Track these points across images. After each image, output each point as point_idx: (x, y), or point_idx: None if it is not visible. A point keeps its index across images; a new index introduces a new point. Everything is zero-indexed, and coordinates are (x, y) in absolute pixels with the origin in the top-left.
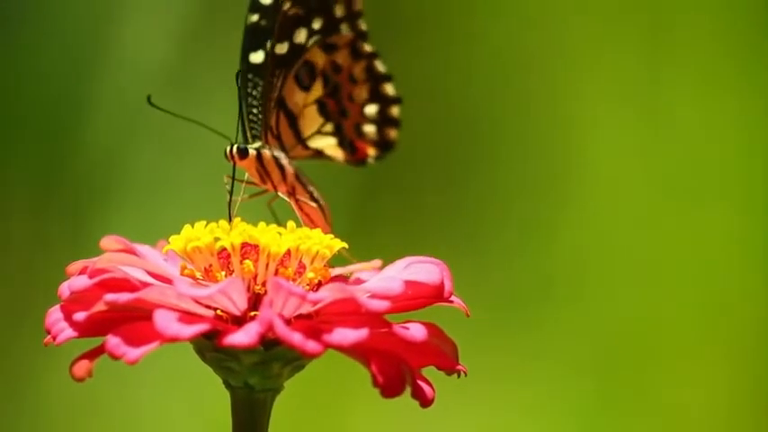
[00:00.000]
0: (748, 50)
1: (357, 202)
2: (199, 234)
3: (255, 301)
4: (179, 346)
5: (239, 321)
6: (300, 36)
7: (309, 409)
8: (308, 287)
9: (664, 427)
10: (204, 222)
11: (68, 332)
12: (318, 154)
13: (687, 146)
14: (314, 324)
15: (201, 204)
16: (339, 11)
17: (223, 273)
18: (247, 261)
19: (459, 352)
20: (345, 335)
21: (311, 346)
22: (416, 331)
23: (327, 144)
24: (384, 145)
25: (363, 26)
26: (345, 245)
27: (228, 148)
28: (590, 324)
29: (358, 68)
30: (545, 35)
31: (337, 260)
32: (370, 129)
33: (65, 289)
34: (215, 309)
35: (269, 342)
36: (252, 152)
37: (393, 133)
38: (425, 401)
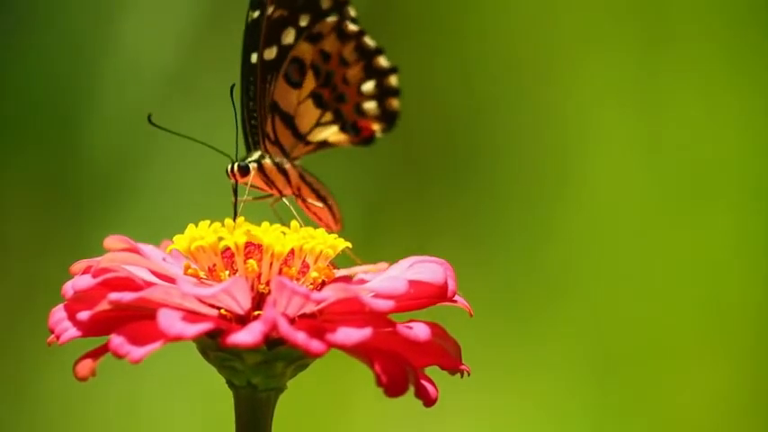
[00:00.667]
0: (749, 49)
1: (357, 204)
2: (203, 233)
3: (259, 301)
4: (182, 346)
5: (243, 321)
6: (288, 37)
7: (313, 409)
8: (311, 286)
9: (664, 427)
10: (208, 222)
11: (72, 332)
12: (322, 145)
13: (687, 145)
14: (317, 323)
15: (204, 205)
16: (325, 3)
17: (227, 272)
18: (251, 260)
19: (461, 352)
20: (349, 334)
21: (315, 345)
22: (420, 331)
23: (330, 133)
24: (388, 116)
25: (353, 12)
26: (349, 244)
27: (229, 167)
28: (591, 324)
29: (347, 50)
30: (545, 35)
31: (342, 260)
32: (370, 105)
33: (68, 288)
34: (219, 308)
35: (272, 341)
36: (253, 167)
37: (395, 103)
38: (429, 401)
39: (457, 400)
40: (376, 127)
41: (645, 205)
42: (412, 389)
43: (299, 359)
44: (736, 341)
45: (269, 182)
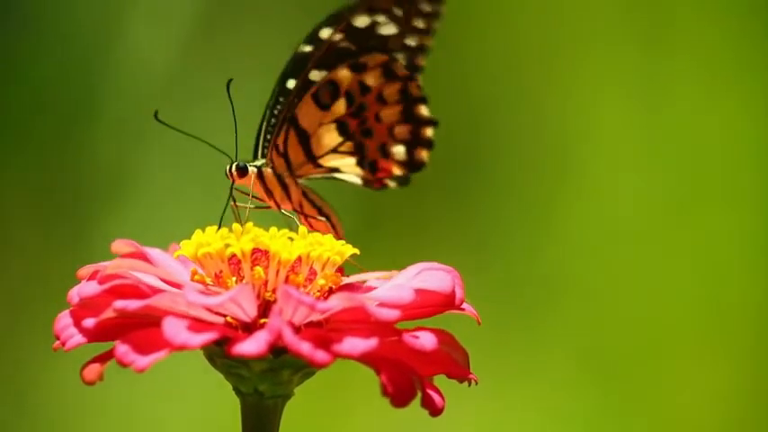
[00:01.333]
0: (751, 47)
1: (358, 207)
2: (209, 240)
3: (265, 308)
4: (189, 352)
5: (249, 328)
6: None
7: (319, 416)
8: (318, 294)
9: (664, 427)
10: (215, 227)
11: (78, 338)
12: (333, 172)
13: (688, 144)
14: (323, 333)
15: (206, 208)
16: (394, 43)
17: (234, 279)
18: (258, 267)
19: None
20: (355, 344)
21: (320, 356)
22: (426, 341)
23: (345, 163)
24: (413, 165)
25: (422, 61)
26: (357, 251)
27: (228, 167)
28: (591, 326)
29: (390, 89)
30: (545, 35)
31: (350, 268)
32: (398, 149)
33: (74, 294)
34: (225, 315)
35: (279, 349)
36: (252, 170)
37: (425, 154)
38: (435, 411)
39: (458, 404)
40: (397, 171)
41: (645, 205)
42: (419, 398)
43: (306, 367)
44: (736, 341)
45: (267, 191)
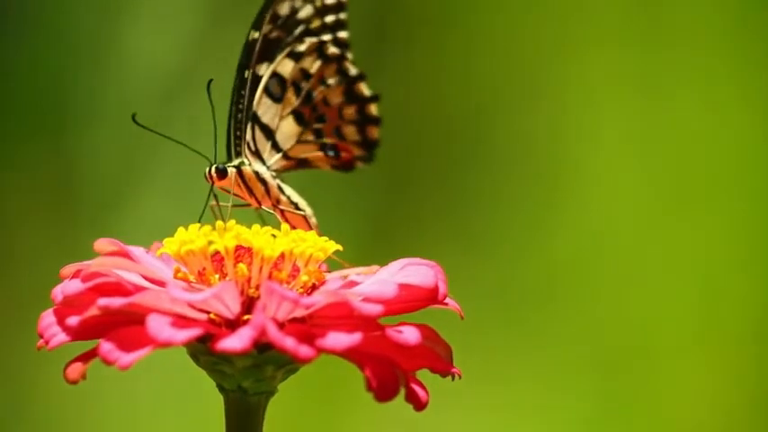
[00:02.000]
0: (749, 48)
1: (352, 205)
2: (192, 237)
3: (249, 305)
4: (173, 351)
5: (233, 325)
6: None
7: (303, 412)
8: (301, 290)
9: (663, 427)
10: (198, 225)
11: (61, 337)
12: (303, 163)
13: (686, 144)
14: (307, 328)
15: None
16: (316, 23)
17: (217, 276)
18: (241, 264)
19: (453, 354)
20: (338, 339)
21: (304, 351)
22: (409, 335)
23: (309, 151)
24: (367, 144)
25: (345, 34)
26: (340, 247)
27: (207, 169)
28: (589, 324)
29: (328, 72)
30: (545, 34)
31: (332, 263)
32: (350, 129)
33: (58, 293)
34: (208, 312)
35: (262, 345)
36: (231, 171)
37: (375, 131)
38: (419, 405)
39: (450, 402)
40: (356, 152)
41: (643, 205)
42: (403, 393)
43: (290, 363)
44: (735, 342)
45: (248, 189)
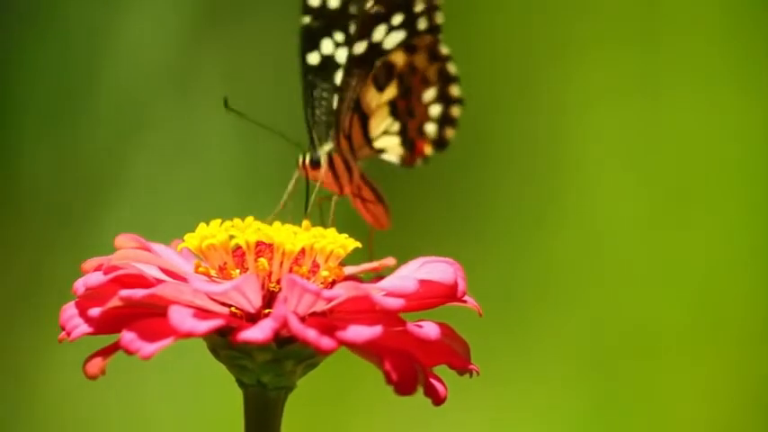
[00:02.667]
0: (748, 48)
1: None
2: (214, 232)
3: (270, 299)
4: (192, 346)
5: (253, 319)
6: (379, 33)
7: (322, 408)
8: (322, 285)
9: (664, 426)
10: (219, 220)
11: (83, 328)
12: (379, 153)
13: (685, 144)
14: (328, 321)
15: (201, 205)
16: (419, 6)
17: (238, 271)
18: (262, 259)
19: (471, 352)
20: (360, 332)
21: (325, 342)
22: (430, 330)
23: (391, 143)
24: (441, 144)
25: (439, 19)
26: (359, 244)
27: (301, 159)
28: (589, 324)
29: (432, 70)
30: (544, 34)
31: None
32: (431, 128)
33: (80, 285)
34: (229, 306)
35: (282, 340)
36: (324, 161)
37: (451, 133)
38: (438, 399)
39: (455, 401)
40: (428, 150)
41: (644, 205)
42: (421, 388)
43: (309, 357)
44: (736, 341)
45: (334, 177)
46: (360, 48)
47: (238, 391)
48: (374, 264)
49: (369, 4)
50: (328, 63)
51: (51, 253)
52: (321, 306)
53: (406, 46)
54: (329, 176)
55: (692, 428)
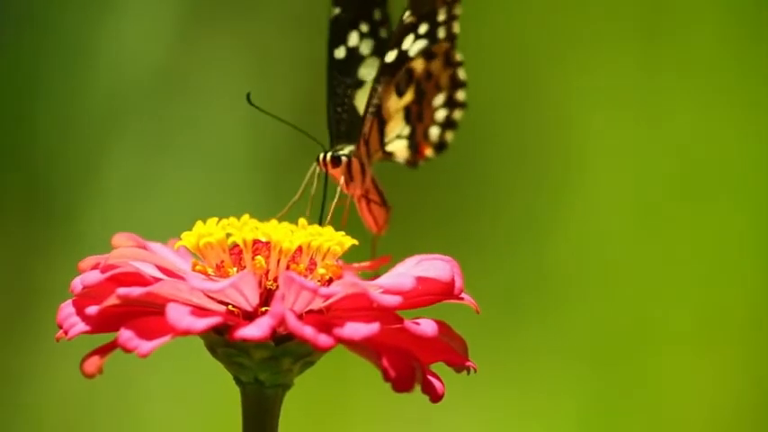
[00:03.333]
0: (748, 49)
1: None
2: (211, 230)
3: (267, 297)
4: (189, 345)
5: (251, 317)
6: (407, 42)
7: (319, 406)
8: (319, 283)
9: (664, 425)
10: (216, 219)
11: (80, 326)
12: (389, 156)
13: (685, 145)
14: (325, 319)
15: (189, 204)
16: (441, 15)
17: (235, 269)
18: (259, 257)
19: (468, 349)
20: (357, 329)
21: (323, 339)
22: (427, 327)
23: (400, 147)
24: (440, 147)
25: (457, 29)
26: (356, 242)
27: (322, 156)
28: (588, 323)
29: (445, 76)
30: (544, 35)
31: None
32: (435, 131)
33: (77, 284)
34: (227, 304)
35: (279, 337)
36: (344, 160)
37: (451, 136)
38: (436, 396)
39: (453, 399)
40: (429, 153)
41: (643, 205)
42: (419, 385)
43: (307, 355)
44: (736, 340)
45: (349, 178)
46: (391, 56)
47: (236, 389)
48: (370, 262)
49: (405, 15)
50: (353, 56)
51: (38, 256)
52: (318, 303)
53: (425, 53)
54: (345, 177)
55: (692, 428)
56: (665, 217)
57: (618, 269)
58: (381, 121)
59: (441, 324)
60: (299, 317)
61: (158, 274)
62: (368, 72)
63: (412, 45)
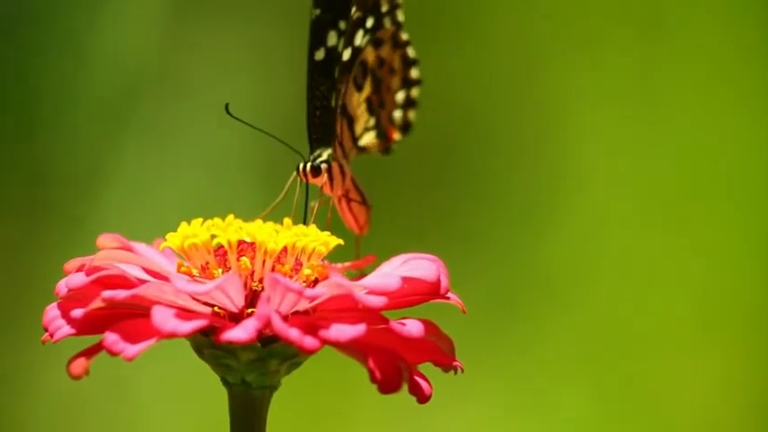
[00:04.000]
0: (746, 50)
1: None
2: (196, 231)
3: (253, 299)
4: (176, 346)
5: (237, 318)
6: (359, 38)
7: (306, 407)
8: (304, 284)
9: (664, 424)
10: (201, 219)
11: (66, 329)
12: (362, 151)
13: (684, 145)
14: (311, 320)
15: (187, 202)
16: (384, 6)
17: (220, 270)
18: (244, 258)
19: (455, 349)
20: (343, 330)
21: (308, 341)
22: (413, 327)
23: (370, 138)
24: (405, 127)
25: (401, 17)
26: (341, 241)
27: (302, 166)
28: (587, 323)
29: (396, 58)
30: (543, 34)
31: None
32: (397, 114)
33: (62, 286)
34: (212, 306)
35: (266, 339)
36: (324, 167)
37: (412, 114)
38: (423, 398)
39: (449, 399)
40: (396, 136)
41: (643, 205)
42: (406, 385)
43: (293, 356)
44: (735, 341)
45: (330, 182)
46: (346, 54)
47: (224, 390)
48: (355, 262)
49: (353, 11)
50: (332, 57)
51: (37, 254)
52: (304, 305)
53: (373, 41)
54: (326, 182)
55: (692, 427)
56: (664, 216)
57: (616, 267)
58: (349, 119)
59: (427, 324)
60: (285, 318)
61: (143, 276)
62: None
63: (362, 40)
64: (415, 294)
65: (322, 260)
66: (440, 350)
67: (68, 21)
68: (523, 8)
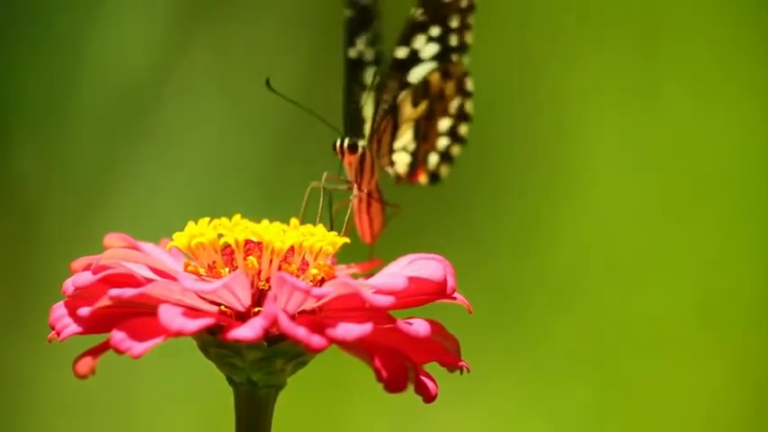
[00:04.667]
0: (746, 50)
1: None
2: (203, 230)
3: (259, 297)
4: (183, 345)
5: (243, 317)
6: (419, 42)
7: (312, 406)
8: (311, 283)
9: (664, 423)
10: (207, 219)
11: (73, 328)
12: (391, 165)
13: (685, 144)
14: (318, 319)
15: (193, 203)
16: (455, 22)
17: (227, 269)
18: (251, 257)
19: (461, 348)
20: (350, 329)
21: (315, 340)
22: (420, 327)
23: (403, 161)
24: (434, 178)
25: (469, 39)
26: (348, 240)
27: (339, 142)
28: (588, 323)
29: (455, 102)
30: (543, 35)
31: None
32: (434, 159)
33: (69, 285)
34: (219, 304)
35: (272, 338)
36: (360, 149)
37: (446, 170)
38: (429, 397)
39: (452, 399)
40: (423, 180)
41: (644, 205)
42: (412, 385)
43: (299, 356)
44: (735, 341)
45: (359, 172)
46: (402, 52)
47: (230, 389)
48: (363, 264)
49: (417, 12)
50: (362, 60)
51: (43, 253)
52: (311, 304)
53: (443, 70)
54: (354, 167)
55: (692, 427)
56: (665, 215)
57: (619, 269)
58: (395, 124)
59: (433, 323)
60: (292, 317)
61: (150, 275)
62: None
63: (424, 47)
64: (421, 294)
65: (329, 260)
66: (446, 350)
67: (73, 23)
68: (526, 8)
